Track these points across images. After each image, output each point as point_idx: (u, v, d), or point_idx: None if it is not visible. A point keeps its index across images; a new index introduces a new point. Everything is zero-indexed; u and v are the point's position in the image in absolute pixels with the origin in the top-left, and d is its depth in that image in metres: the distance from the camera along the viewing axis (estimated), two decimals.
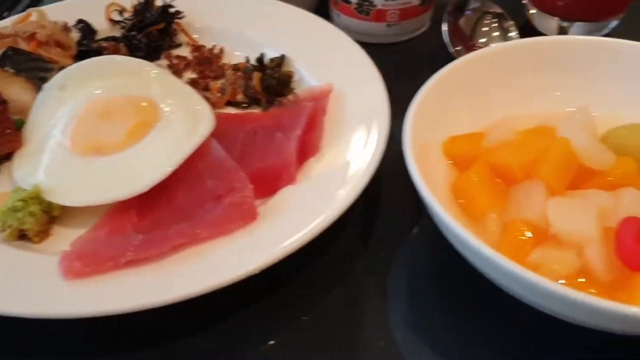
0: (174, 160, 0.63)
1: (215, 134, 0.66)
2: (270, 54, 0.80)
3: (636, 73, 0.67)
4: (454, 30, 0.80)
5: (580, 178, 0.57)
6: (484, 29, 0.81)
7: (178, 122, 0.67)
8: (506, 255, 0.54)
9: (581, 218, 0.53)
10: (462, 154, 0.62)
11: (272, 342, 0.55)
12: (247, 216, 0.58)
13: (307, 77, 0.76)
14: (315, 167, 0.64)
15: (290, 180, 0.62)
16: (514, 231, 0.55)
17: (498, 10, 0.83)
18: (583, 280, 0.52)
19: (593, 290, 0.51)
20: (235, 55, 0.83)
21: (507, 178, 0.59)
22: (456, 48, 0.80)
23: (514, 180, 0.58)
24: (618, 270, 0.51)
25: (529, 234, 0.54)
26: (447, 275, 0.60)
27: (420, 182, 0.53)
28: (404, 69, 0.84)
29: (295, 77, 0.77)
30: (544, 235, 0.54)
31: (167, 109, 0.69)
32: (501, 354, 0.55)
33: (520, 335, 0.55)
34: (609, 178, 0.56)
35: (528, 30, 0.86)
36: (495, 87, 0.67)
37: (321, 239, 0.56)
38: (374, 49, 0.76)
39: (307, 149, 0.65)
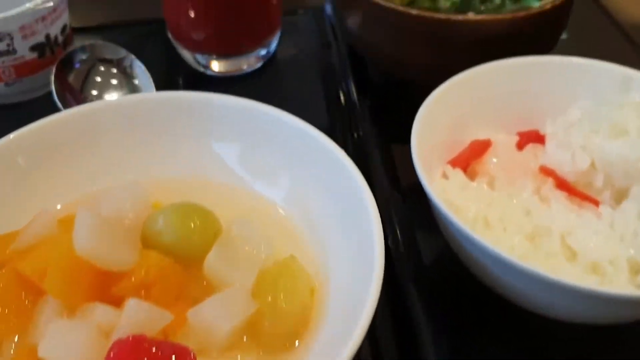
0: None
1: None
2: None
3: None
4: (65, 88, 0.69)
5: (109, 281, 0.49)
6: (97, 79, 0.70)
7: None
8: None
9: (77, 344, 0.44)
10: None
11: None
12: None
13: None
14: None
15: None
16: None
17: (116, 54, 0.71)
18: None
19: None
20: None
21: (33, 290, 0.49)
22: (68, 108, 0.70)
23: (42, 292, 0.49)
24: None
25: None
26: None
27: None
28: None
29: None
30: None
31: None
32: None
33: None
34: (133, 279, 0.48)
35: None
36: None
37: None
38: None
39: None
